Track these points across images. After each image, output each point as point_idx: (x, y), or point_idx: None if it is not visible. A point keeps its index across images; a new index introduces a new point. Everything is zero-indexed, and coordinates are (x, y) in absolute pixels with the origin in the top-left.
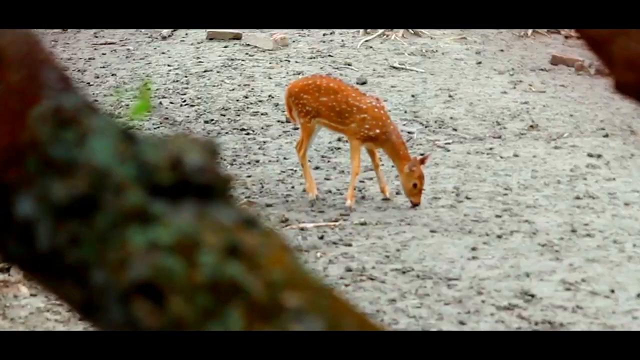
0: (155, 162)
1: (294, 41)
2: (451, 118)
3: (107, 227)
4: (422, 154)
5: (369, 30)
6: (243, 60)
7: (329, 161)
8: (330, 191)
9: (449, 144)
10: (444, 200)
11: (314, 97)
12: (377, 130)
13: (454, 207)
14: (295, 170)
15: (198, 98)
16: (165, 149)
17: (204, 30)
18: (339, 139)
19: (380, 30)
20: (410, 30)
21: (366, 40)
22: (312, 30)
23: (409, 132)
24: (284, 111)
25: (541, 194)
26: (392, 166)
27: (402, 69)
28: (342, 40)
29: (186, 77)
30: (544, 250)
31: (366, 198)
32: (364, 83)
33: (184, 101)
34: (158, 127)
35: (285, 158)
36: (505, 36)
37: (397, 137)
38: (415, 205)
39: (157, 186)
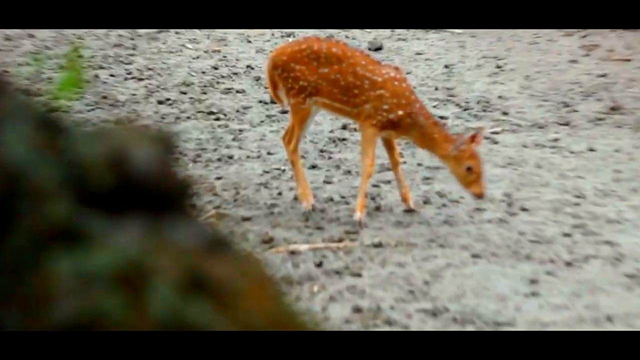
0: (88, 160)
1: None
2: (500, 97)
3: (20, 250)
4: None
5: None
6: None
7: (330, 157)
8: (331, 199)
9: (496, 133)
10: (490, 212)
11: (309, 68)
12: (400, 112)
13: (504, 222)
14: (284, 170)
15: (149, 69)
16: (102, 142)
17: None
18: (344, 126)
19: None
20: None
21: None
22: None
23: (440, 117)
24: (267, 88)
25: (627, 203)
26: (419, 164)
27: (431, 28)
28: None
29: (132, 39)
30: (633, 283)
31: (382, 209)
32: (378, 49)
33: (129, 73)
34: (93, 109)
35: (269, 153)
36: None
37: (426, 117)
38: (479, 197)
39: (91, 194)
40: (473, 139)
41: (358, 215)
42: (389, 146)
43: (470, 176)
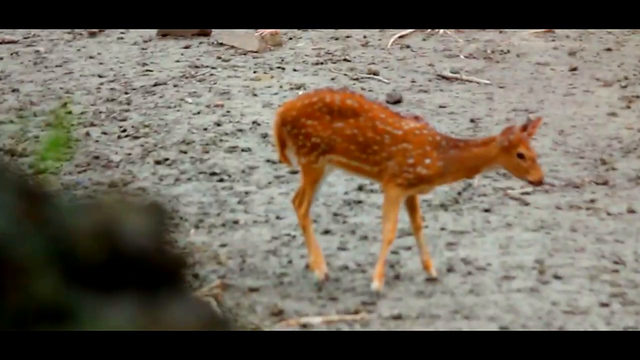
0: (76, 232)
1: (290, 38)
2: None
3: (4, 330)
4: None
5: None
6: (213, 67)
7: (344, 222)
8: (346, 267)
9: (527, 193)
10: (520, 280)
11: (322, 123)
12: (428, 161)
13: (535, 292)
14: (294, 236)
15: (145, 126)
16: (91, 212)
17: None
18: (360, 187)
19: None
20: None
21: (400, 37)
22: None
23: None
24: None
25: None
26: (442, 228)
27: (457, 79)
28: (365, 37)
29: (127, 93)
30: None
31: (402, 278)
32: (398, 101)
33: (124, 131)
34: (84, 171)
35: (278, 217)
36: (613, 29)
37: (454, 147)
38: (538, 184)
39: (80, 269)
40: (524, 128)
41: (376, 284)
42: (412, 207)
43: (524, 163)
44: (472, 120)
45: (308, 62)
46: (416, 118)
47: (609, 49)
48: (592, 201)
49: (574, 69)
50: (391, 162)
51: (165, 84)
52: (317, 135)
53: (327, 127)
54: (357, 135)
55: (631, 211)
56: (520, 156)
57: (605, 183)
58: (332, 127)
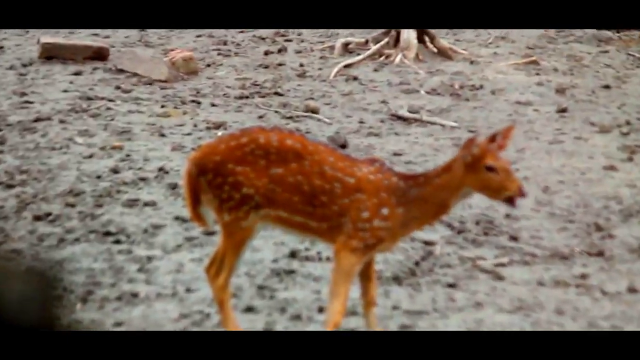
0: None
1: (208, 65)
2: (507, 217)
3: None
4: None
5: (351, 44)
6: (111, 100)
7: (272, 297)
8: None
9: (502, 265)
10: None
11: (256, 170)
12: (385, 212)
13: None
14: (208, 315)
15: (22, 172)
16: None
17: (33, 39)
18: (293, 254)
19: (374, 47)
20: (430, 44)
21: (346, 66)
22: (244, 40)
23: (424, 243)
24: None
25: None
26: (394, 307)
27: (416, 120)
28: (301, 65)
29: (0, 130)
30: None
31: None
32: (342, 147)
33: None
34: None
35: (188, 290)
36: (612, 61)
37: (416, 184)
38: (519, 196)
39: None
40: (492, 139)
41: None
42: (366, 276)
43: (496, 177)
44: None
45: (230, 95)
46: (372, 160)
47: (606, 86)
48: (584, 276)
49: (563, 110)
50: (344, 218)
51: (49, 119)
52: (250, 184)
53: (263, 174)
54: (302, 184)
55: (632, 290)
56: (490, 169)
57: (600, 254)
58: (269, 174)
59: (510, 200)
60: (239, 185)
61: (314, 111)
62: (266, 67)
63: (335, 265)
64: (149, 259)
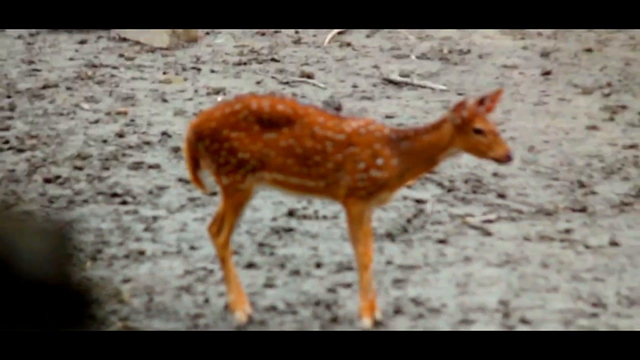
0: None
1: (207, 33)
2: (495, 175)
3: None
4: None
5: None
6: (115, 67)
7: (272, 253)
8: (274, 308)
9: (490, 222)
10: (481, 324)
11: (250, 135)
12: (380, 162)
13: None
14: (211, 271)
15: (32, 137)
16: None
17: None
18: (291, 213)
19: None
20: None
21: (340, 33)
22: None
23: (416, 201)
24: None
25: None
26: (388, 262)
27: (407, 84)
28: (297, 32)
29: (9, 97)
30: None
31: (340, 321)
32: (336, 110)
33: (6, 142)
34: None
35: (192, 248)
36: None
37: (406, 138)
38: (505, 160)
39: None
40: (481, 102)
41: (366, 322)
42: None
43: (484, 139)
44: None
45: (229, 62)
46: (361, 119)
47: (589, 50)
48: (568, 231)
49: (547, 73)
50: (340, 173)
51: (56, 86)
52: (245, 149)
53: (257, 139)
54: (294, 147)
55: (614, 244)
56: (478, 132)
57: (583, 210)
58: (263, 139)
59: (498, 161)
60: (234, 150)
61: (309, 76)
62: (263, 34)
63: (346, 216)
64: (155, 218)
